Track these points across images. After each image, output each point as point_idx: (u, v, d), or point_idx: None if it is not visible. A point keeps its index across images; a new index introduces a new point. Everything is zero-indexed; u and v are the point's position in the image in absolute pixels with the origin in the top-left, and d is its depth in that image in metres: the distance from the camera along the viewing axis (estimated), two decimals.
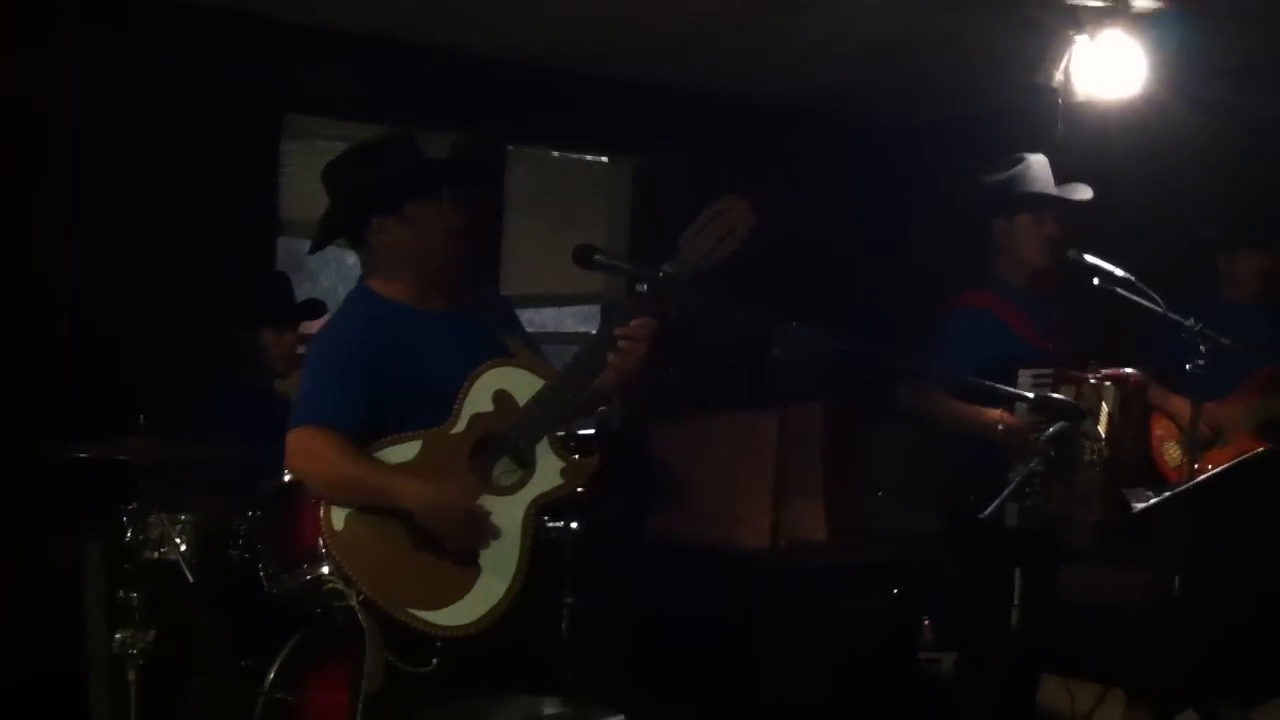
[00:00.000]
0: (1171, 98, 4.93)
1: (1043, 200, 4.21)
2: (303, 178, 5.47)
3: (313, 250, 3.47)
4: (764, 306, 3.10)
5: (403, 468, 3.10)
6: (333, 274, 6.05)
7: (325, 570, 3.79)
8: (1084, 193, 4.24)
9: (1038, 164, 4.26)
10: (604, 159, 6.55)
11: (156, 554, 3.82)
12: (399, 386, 3.14)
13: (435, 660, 3.00)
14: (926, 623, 4.95)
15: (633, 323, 3.08)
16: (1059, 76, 4.70)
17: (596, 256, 3.16)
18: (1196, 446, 4.16)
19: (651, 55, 5.78)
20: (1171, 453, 4.62)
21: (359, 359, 3.15)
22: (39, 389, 4.72)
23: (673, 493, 5.65)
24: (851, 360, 3.18)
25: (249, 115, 5.23)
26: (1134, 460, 4.15)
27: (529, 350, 3.31)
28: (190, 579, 3.82)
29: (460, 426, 3.13)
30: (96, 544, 4.26)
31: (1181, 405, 4.38)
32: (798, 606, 4.80)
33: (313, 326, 4.61)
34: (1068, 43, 4.65)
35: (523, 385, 3.15)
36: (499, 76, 5.80)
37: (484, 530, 3.07)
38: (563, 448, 3.15)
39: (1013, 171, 4.26)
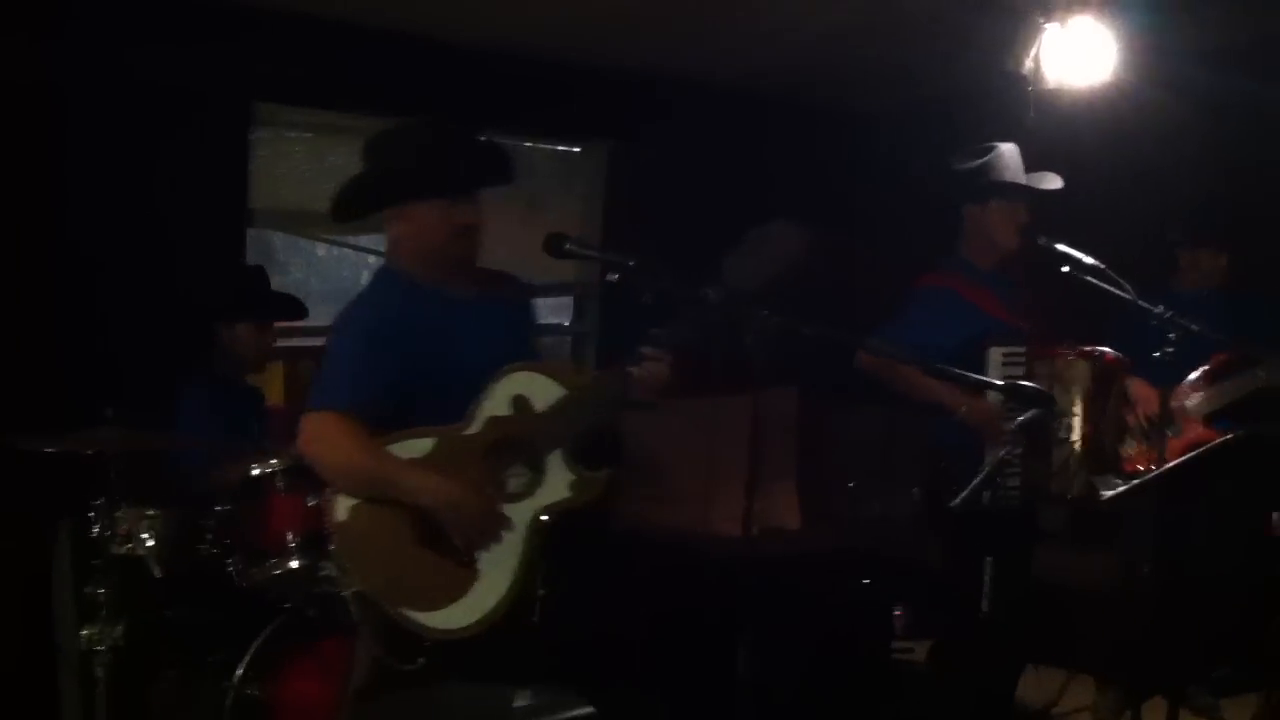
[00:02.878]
0: (1141, 85, 4.92)
1: (1016, 189, 4.24)
2: (272, 167, 5.44)
3: (337, 220, 3.38)
4: (737, 293, 3.08)
5: (414, 463, 3.06)
6: (304, 264, 6.01)
7: (294, 564, 3.82)
8: (1055, 182, 4.29)
9: (1009, 152, 4.30)
10: (576, 148, 6.53)
11: (125, 549, 3.80)
12: (423, 374, 3.11)
13: (422, 660, 3.00)
14: (899, 611, 4.95)
15: (649, 351, 3.09)
16: (1029, 63, 4.70)
17: (567, 245, 3.15)
18: (1161, 434, 4.18)
19: (620, 43, 5.76)
20: (1135, 443, 4.64)
21: (385, 343, 3.11)
22: (5, 382, 4.67)
23: (646, 479, 5.64)
24: (824, 345, 3.18)
25: (218, 104, 5.18)
26: (1113, 438, 4.15)
27: (561, 358, 3.29)
28: (158, 574, 3.80)
29: (475, 428, 3.10)
30: (65, 539, 4.23)
31: (1145, 392, 4.40)
32: (771, 594, 4.80)
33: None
34: (1038, 29, 4.65)
35: (543, 392, 3.12)
36: (469, 65, 5.76)
37: (493, 534, 3.05)
38: (575, 460, 3.12)
39: (986, 159, 4.29)
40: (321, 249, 6.04)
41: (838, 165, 6.82)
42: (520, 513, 3.10)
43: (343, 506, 3.07)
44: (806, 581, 4.80)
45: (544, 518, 3.11)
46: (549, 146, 6.45)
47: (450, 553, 3.04)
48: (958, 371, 3.87)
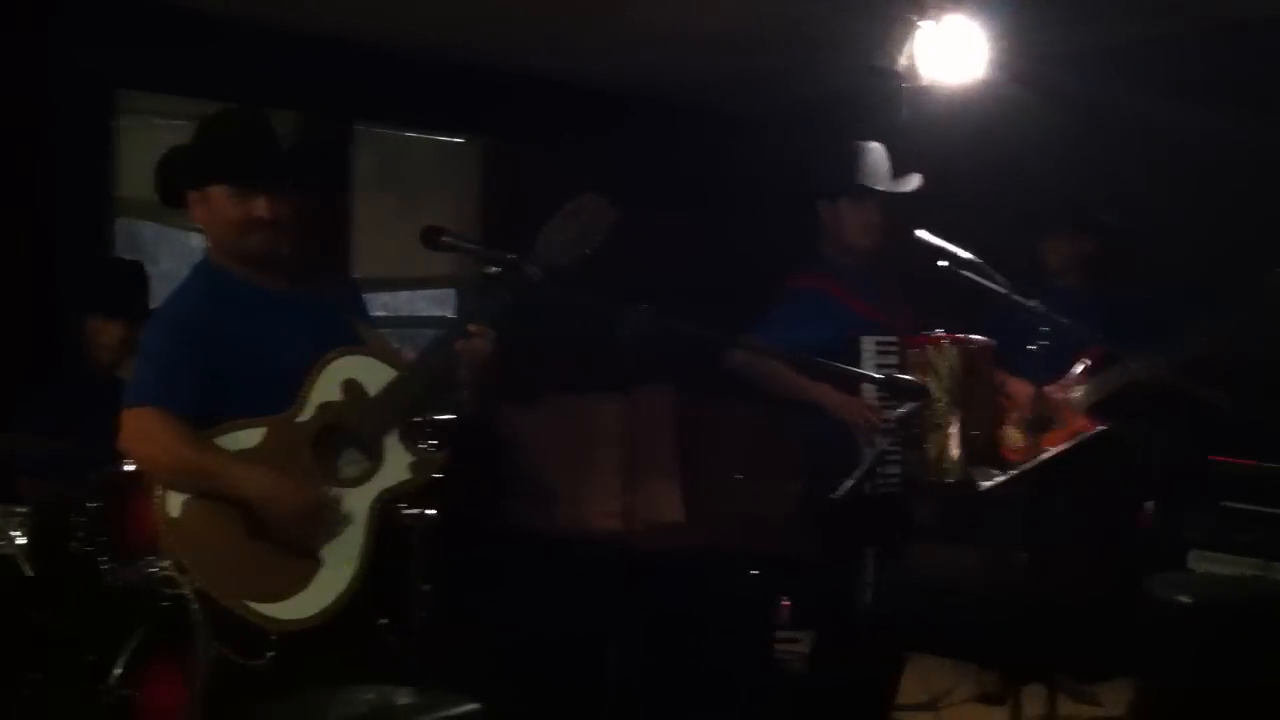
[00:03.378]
0: (1012, 82, 5.03)
1: (861, 190, 4.29)
2: (139, 156, 5.30)
3: (162, 201, 3.28)
4: (611, 290, 3.07)
5: (244, 454, 2.99)
6: (175, 255, 5.88)
7: (168, 562, 3.72)
8: (907, 185, 4.32)
9: (869, 151, 4.33)
10: (457, 139, 6.48)
11: None
12: (237, 366, 3.03)
13: (270, 653, 2.92)
14: (785, 603, 4.99)
15: (473, 326, 3.06)
16: (903, 61, 4.78)
17: (444, 238, 3.12)
18: (1038, 428, 4.27)
19: (500, 39, 5.73)
20: (1011, 435, 4.74)
21: (195, 336, 3.04)
22: None
23: (524, 477, 5.62)
24: (699, 342, 3.20)
25: (80, 92, 5.04)
26: (987, 422, 4.22)
27: (381, 339, 3.23)
28: (28, 572, 3.69)
29: (306, 415, 3.04)
30: None
31: (1020, 387, 4.49)
32: (654, 589, 4.81)
33: None
34: (912, 27, 4.72)
35: (373, 375, 3.08)
36: (346, 54, 5.69)
37: (323, 522, 2.99)
38: (412, 440, 3.09)
39: (840, 159, 4.34)
40: (195, 239, 5.89)
41: (716, 165, 6.86)
42: (359, 498, 3.04)
43: (174, 502, 2.98)
44: (691, 575, 4.82)
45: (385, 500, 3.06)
46: (428, 138, 6.39)
47: (289, 543, 2.98)
48: (836, 365, 3.93)
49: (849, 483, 3.70)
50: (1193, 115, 5.09)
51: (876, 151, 4.35)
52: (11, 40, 4.79)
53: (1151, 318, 4.69)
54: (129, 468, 3.82)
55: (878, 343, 4.17)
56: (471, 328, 3.07)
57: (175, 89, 5.37)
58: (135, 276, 4.54)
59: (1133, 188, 5.28)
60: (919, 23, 4.73)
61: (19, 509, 3.73)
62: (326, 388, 3.06)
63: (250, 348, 3.06)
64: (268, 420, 3.02)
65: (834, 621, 4.27)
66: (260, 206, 3.05)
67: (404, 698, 2.97)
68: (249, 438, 3.01)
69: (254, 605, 2.92)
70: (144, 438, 3.00)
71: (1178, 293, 4.93)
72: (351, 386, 3.07)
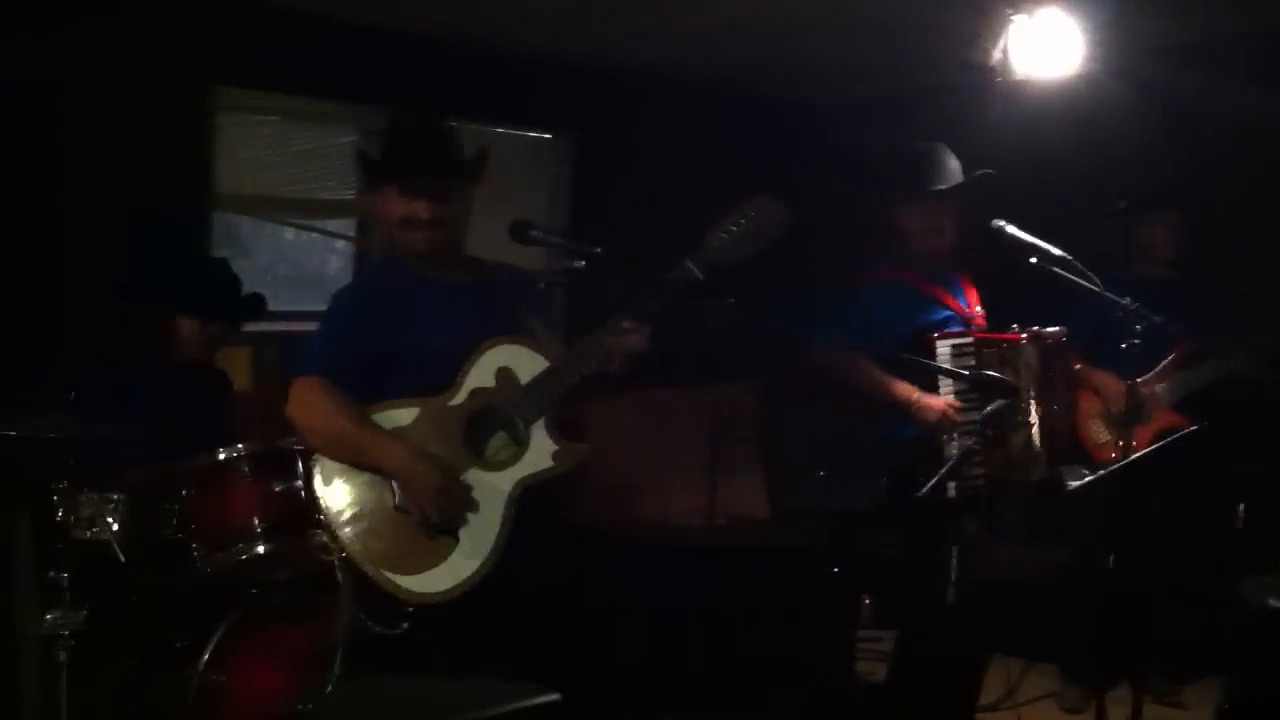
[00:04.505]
0: (1107, 77, 4.96)
1: (919, 193, 4.26)
2: (238, 151, 5.40)
3: None
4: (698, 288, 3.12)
5: (397, 432, 3.14)
6: (269, 250, 5.98)
7: (260, 550, 3.80)
8: (952, 181, 4.26)
9: (929, 152, 4.31)
10: (546, 135, 6.52)
11: (88, 534, 3.76)
12: (402, 348, 3.21)
13: (405, 624, 3.05)
14: (867, 601, 4.97)
15: (628, 324, 3.13)
16: (997, 55, 4.72)
17: (532, 232, 3.27)
18: (1127, 423, 4.21)
19: (587, 35, 5.75)
20: (1097, 430, 4.67)
21: (364, 317, 3.26)
22: None
23: (609, 471, 5.63)
24: (784, 339, 3.20)
25: (179, 88, 5.14)
26: (1066, 418, 4.18)
27: (545, 331, 3.33)
28: (122, 559, 3.77)
29: (460, 398, 3.18)
30: (26, 523, 4.19)
31: (1108, 381, 4.43)
32: (739, 583, 4.81)
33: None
34: (1006, 21, 4.67)
35: (526, 363, 3.19)
36: (438, 52, 5.75)
37: (459, 501, 3.11)
38: (558, 430, 3.18)
39: (903, 162, 4.33)
40: (289, 234, 6.01)
41: (806, 160, 6.82)
42: (502, 481, 3.14)
43: (326, 471, 3.17)
44: (775, 571, 4.81)
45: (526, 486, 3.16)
46: (518, 134, 6.43)
47: (428, 519, 3.10)
48: (924, 361, 3.91)
49: (932, 482, 3.68)
50: None
51: (934, 152, 4.32)
52: (110, 37, 4.89)
53: (1240, 308, 4.62)
54: (222, 456, 3.91)
55: (953, 345, 4.14)
56: (626, 324, 3.14)
57: (272, 86, 5.47)
58: (223, 276, 4.60)
59: (1226, 183, 5.17)
60: (1013, 17, 4.67)
61: (114, 496, 3.80)
62: (481, 374, 3.19)
63: (419, 334, 3.23)
64: (422, 401, 3.17)
65: (917, 620, 4.24)
66: (421, 208, 3.23)
67: (490, 687, 3.01)
68: (404, 416, 3.16)
69: (391, 575, 3.07)
70: (306, 405, 3.19)
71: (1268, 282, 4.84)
72: (505, 374, 3.19)
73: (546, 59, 6.08)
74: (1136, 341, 3.93)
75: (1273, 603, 4.00)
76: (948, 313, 4.25)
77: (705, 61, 6.22)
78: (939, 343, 4.13)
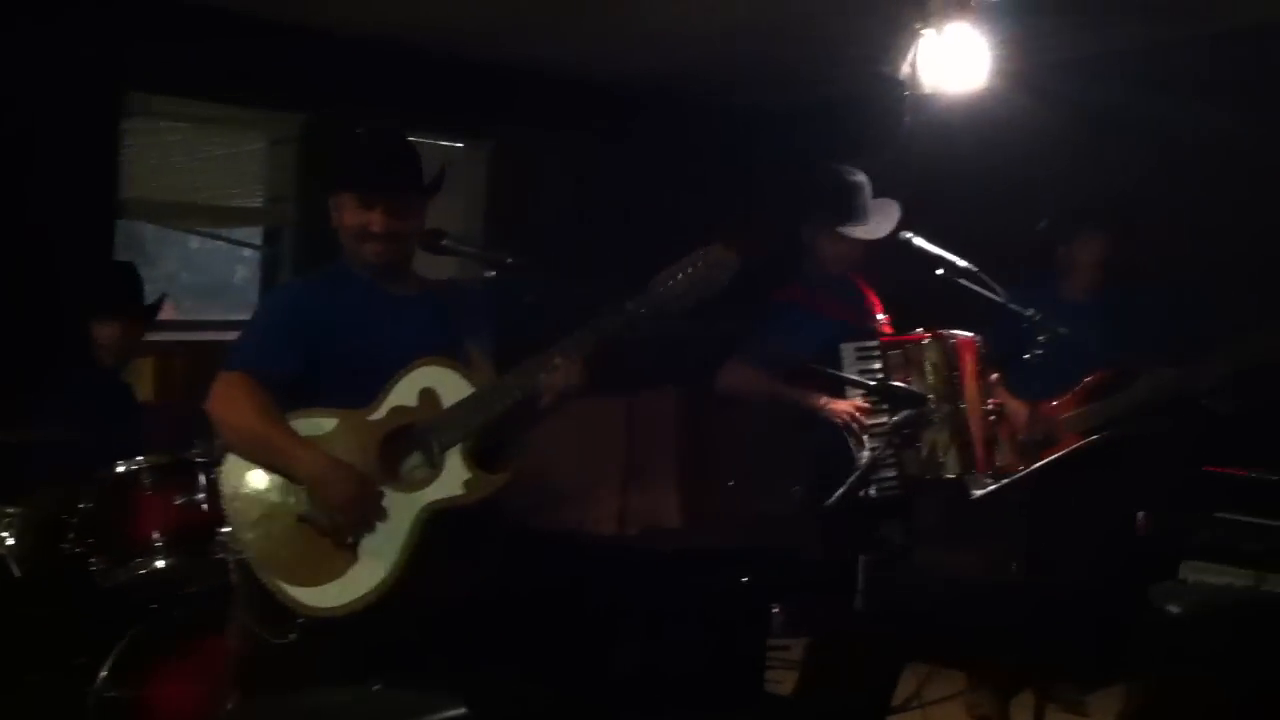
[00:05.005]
0: (1016, 90, 5.01)
1: (831, 231, 4.31)
2: (145, 157, 5.32)
3: None
4: (614, 292, 3.11)
5: (313, 440, 3.09)
6: (175, 257, 5.90)
7: (160, 564, 3.74)
8: (876, 231, 4.29)
9: (851, 186, 4.33)
10: (459, 144, 6.49)
11: None
12: (337, 355, 3.16)
13: (292, 635, 3.01)
14: (777, 609, 4.98)
15: (560, 360, 3.10)
16: (906, 68, 4.76)
17: (444, 242, 3.23)
18: (1034, 450, 4.26)
19: (506, 40, 5.74)
20: (1006, 448, 4.71)
21: (299, 320, 3.19)
22: None
23: (525, 478, 5.60)
24: (702, 343, 3.21)
25: (87, 93, 5.05)
26: (979, 418, 4.20)
27: (481, 358, 3.28)
28: (17, 573, 3.69)
29: (379, 414, 3.13)
30: None
31: (1017, 407, 4.48)
32: (650, 592, 4.81)
33: None
34: (915, 35, 4.71)
35: (452, 387, 3.14)
36: (349, 56, 5.69)
37: (366, 518, 3.06)
38: (474, 459, 3.13)
39: (823, 188, 4.36)
40: (195, 241, 5.93)
41: (723, 164, 6.85)
42: (410, 503, 3.10)
43: (236, 471, 3.13)
44: (686, 579, 4.81)
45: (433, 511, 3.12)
46: (431, 141, 6.40)
47: (332, 532, 3.06)
48: (832, 371, 3.93)
49: (842, 489, 3.70)
50: (1198, 118, 5.07)
51: (859, 186, 4.34)
52: (17, 39, 4.80)
53: (1159, 321, 4.67)
54: (122, 469, 3.84)
55: (857, 349, 4.19)
56: (558, 360, 3.10)
57: (180, 90, 5.39)
58: (129, 277, 4.54)
59: (1138, 192, 5.24)
60: (921, 31, 4.71)
61: (10, 509, 3.73)
62: (404, 392, 3.15)
63: (354, 343, 3.19)
64: (343, 412, 3.13)
65: (827, 628, 4.26)
66: (376, 221, 3.17)
67: (394, 696, 2.98)
68: (323, 425, 3.12)
69: (286, 585, 3.03)
70: (227, 400, 3.12)
71: (1189, 303, 4.89)
72: (428, 395, 3.14)
73: (461, 66, 6.05)
74: (1040, 353, 3.98)
75: (1174, 609, 4.07)
76: (840, 326, 4.29)
77: (624, 67, 6.22)
78: (843, 347, 4.16)
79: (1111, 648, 4.40)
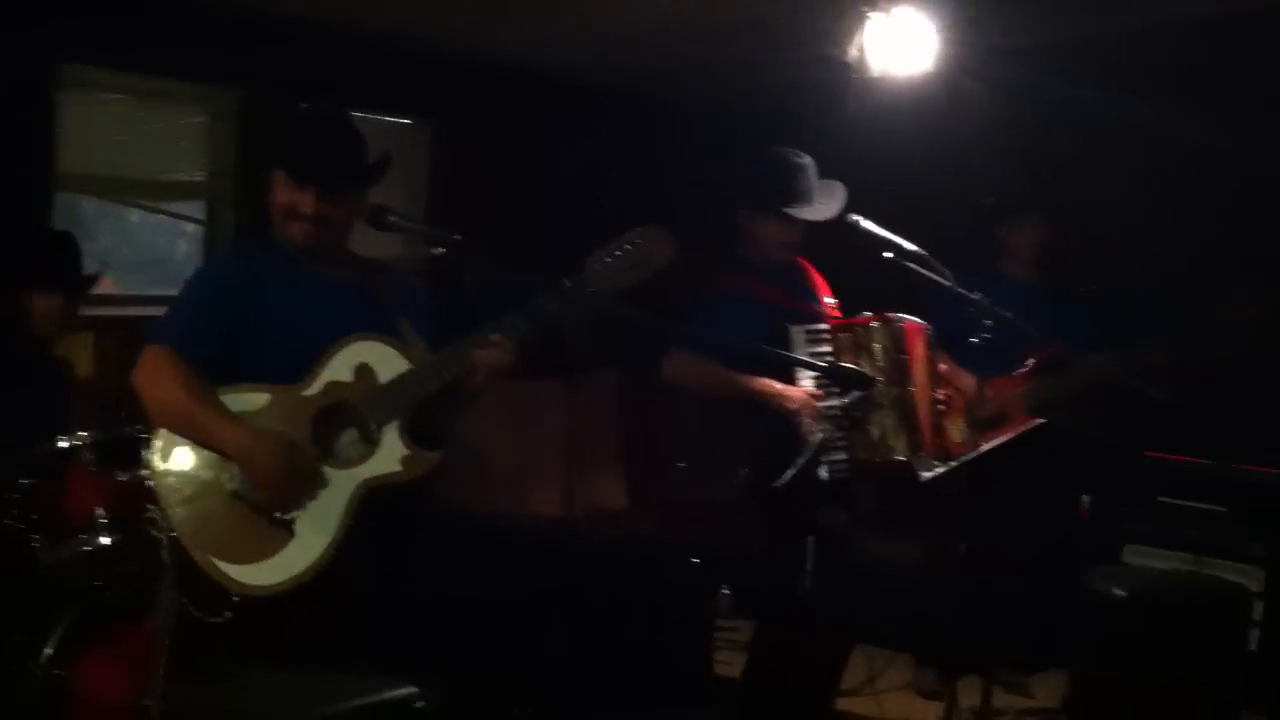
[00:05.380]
0: (962, 75, 5.05)
1: (776, 214, 4.29)
2: (81, 130, 5.22)
3: None
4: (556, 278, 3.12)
5: (245, 416, 3.05)
6: (114, 230, 5.80)
7: (104, 541, 3.67)
8: (823, 212, 4.28)
9: (795, 168, 4.32)
10: (406, 120, 6.44)
11: None
12: (265, 335, 3.13)
13: (228, 614, 2.97)
14: (726, 591, 5.00)
15: (495, 337, 3.10)
16: (853, 52, 4.78)
17: (390, 218, 3.19)
18: (984, 425, 4.30)
19: (455, 23, 5.69)
20: (955, 428, 4.76)
21: (229, 295, 3.15)
22: None
23: (466, 462, 5.58)
24: (646, 330, 3.20)
25: (22, 65, 4.95)
26: (927, 401, 4.23)
27: (418, 342, 3.23)
28: None
29: (313, 390, 3.10)
30: None
31: (969, 382, 4.51)
32: (594, 576, 4.81)
33: None
34: (861, 18, 4.73)
35: (388, 363, 3.13)
36: (293, 33, 5.62)
37: (299, 494, 3.03)
38: (410, 436, 3.11)
39: (764, 172, 4.34)
40: (134, 215, 5.84)
41: (667, 157, 6.84)
42: (346, 479, 3.07)
43: (166, 447, 3.07)
44: (633, 562, 4.81)
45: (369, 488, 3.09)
46: (377, 118, 6.34)
47: (266, 508, 3.03)
48: (780, 352, 3.94)
49: (791, 471, 3.72)
50: (1140, 111, 5.13)
51: (803, 168, 4.33)
52: None
53: (1103, 318, 4.73)
54: (64, 445, 3.77)
55: (807, 331, 4.20)
56: (493, 338, 3.10)
57: (118, 64, 5.29)
58: (68, 248, 4.45)
59: (1081, 184, 5.30)
60: (869, 14, 4.73)
61: None
62: (339, 367, 3.12)
63: (282, 321, 3.14)
64: (275, 387, 3.09)
65: (776, 610, 4.27)
66: (307, 202, 3.14)
67: (342, 680, 2.97)
68: (254, 400, 3.08)
69: (219, 563, 2.98)
70: (152, 374, 3.09)
71: (1129, 293, 4.96)
72: (364, 371, 3.12)
73: (406, 44, 6.00)
74: (988, 336, 4.02)
75: (1116, 592, 4.13)
76: (787, 312, 4.29)
77: (571, 57, 6.19)
78: (793, 329, 4.17)
79: (1054, 630, 4.47)
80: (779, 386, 4.16)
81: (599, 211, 6.20)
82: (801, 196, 4.29)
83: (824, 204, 4.30)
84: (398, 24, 5.72)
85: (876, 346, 4.19)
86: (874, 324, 4.20)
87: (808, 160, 4.34)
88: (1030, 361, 4.62)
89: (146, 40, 5.16)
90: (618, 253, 3.11)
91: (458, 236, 3.17)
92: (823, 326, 4.22)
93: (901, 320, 4.23)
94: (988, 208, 4.97)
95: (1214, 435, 4.69)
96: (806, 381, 4.18)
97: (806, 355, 4.14)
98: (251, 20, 5.45)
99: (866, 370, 4.04)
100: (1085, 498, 4.79)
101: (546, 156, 6.50)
